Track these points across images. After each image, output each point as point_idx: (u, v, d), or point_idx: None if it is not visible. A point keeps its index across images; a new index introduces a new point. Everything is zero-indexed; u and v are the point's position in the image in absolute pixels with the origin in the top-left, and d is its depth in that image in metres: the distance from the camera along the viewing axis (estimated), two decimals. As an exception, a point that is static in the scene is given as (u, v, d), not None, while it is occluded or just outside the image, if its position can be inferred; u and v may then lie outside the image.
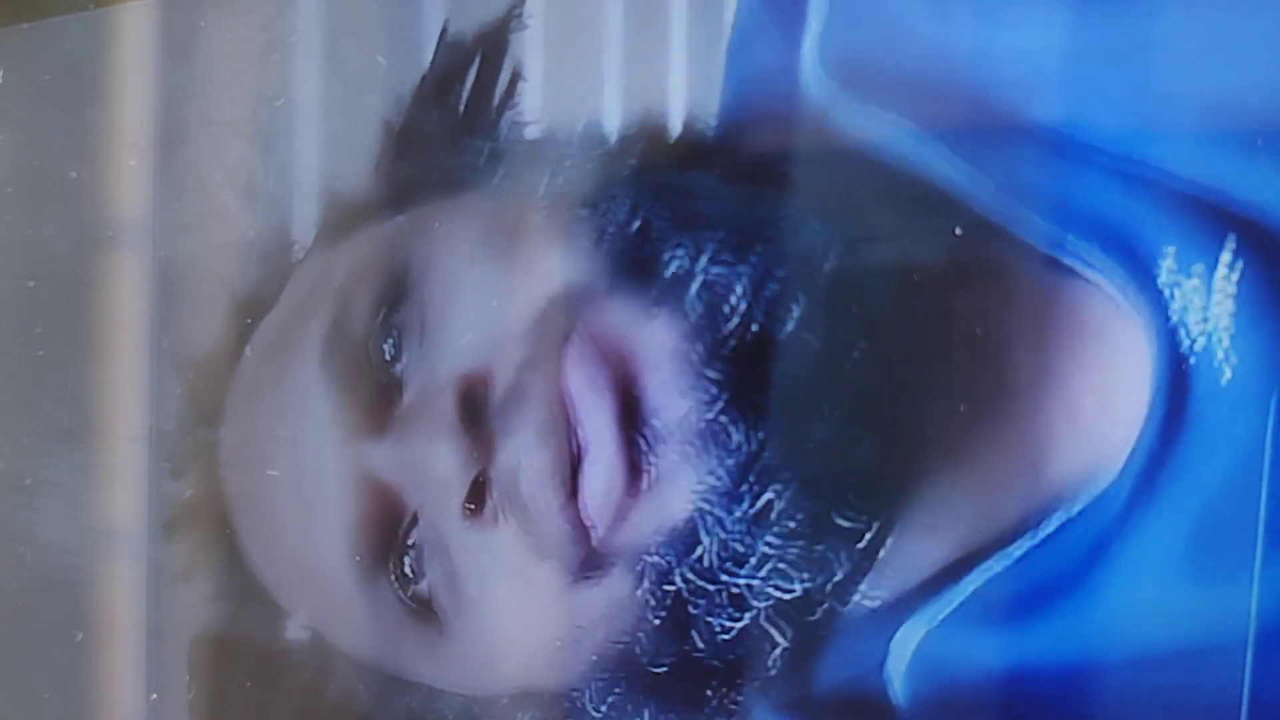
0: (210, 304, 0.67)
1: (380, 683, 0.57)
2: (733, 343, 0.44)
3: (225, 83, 0.79)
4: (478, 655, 0.51)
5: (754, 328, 0.44)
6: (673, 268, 0.45)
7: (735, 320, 0.44)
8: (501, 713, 0.55)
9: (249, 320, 0.58)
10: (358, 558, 0.50)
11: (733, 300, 0.44)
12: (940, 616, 0.48)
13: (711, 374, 0.43)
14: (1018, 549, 0.47)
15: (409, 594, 0.51)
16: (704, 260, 0.44)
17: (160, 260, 0.79)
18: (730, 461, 0.43)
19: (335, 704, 0.59)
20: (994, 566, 0.47)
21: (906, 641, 0.48)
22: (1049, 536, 0.47)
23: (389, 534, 0.50)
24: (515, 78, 0.61)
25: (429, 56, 0.62)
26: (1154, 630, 0.46)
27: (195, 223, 0.79)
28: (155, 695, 0.80)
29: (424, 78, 0.61)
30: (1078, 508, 0.47)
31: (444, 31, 0.62)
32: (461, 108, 0.60)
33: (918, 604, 0.48)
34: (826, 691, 0.51)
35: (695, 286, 0.44)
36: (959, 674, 0.48)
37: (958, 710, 0.49)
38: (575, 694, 0.50)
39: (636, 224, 0.46)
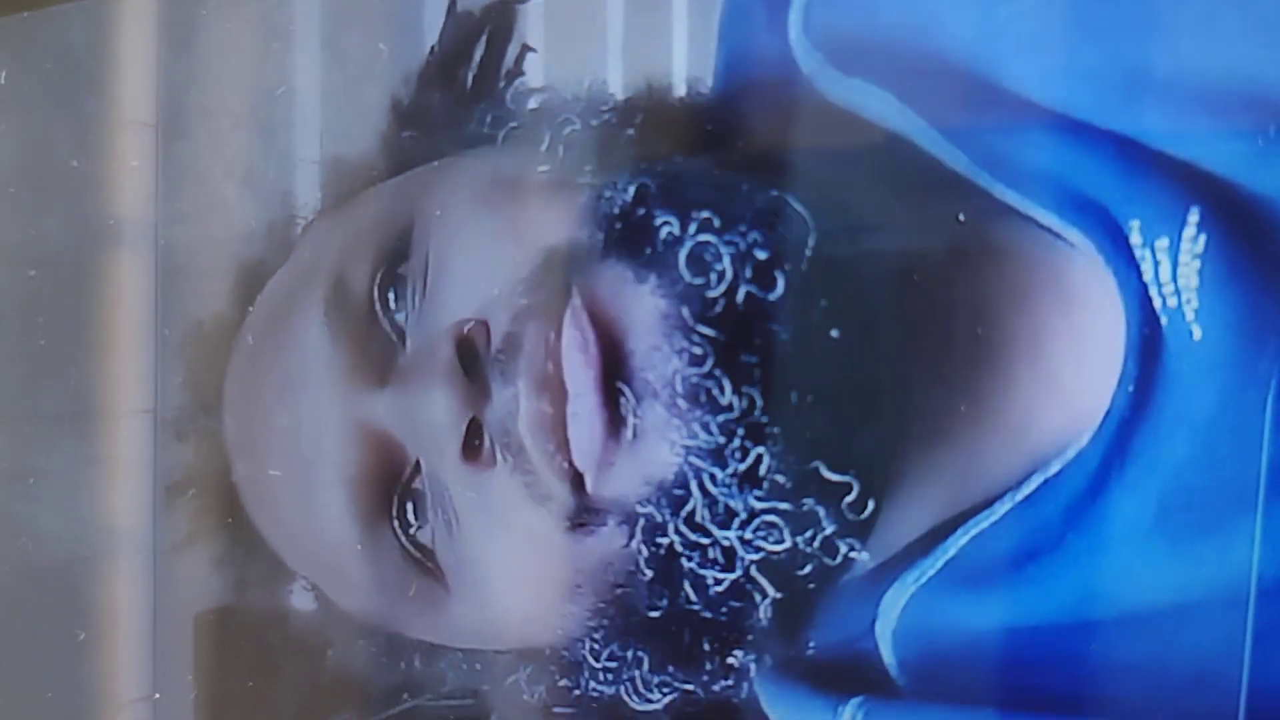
0: (212, 282, 0.67)
1: (382, 643, 0.57)
2: (721, 305, 0.44)
3: (226, 72, 0.79)
4: (479, 608, 0.51)
5: (742, 291, 0.44)
6: (664, 233, 0.45)
7: (724, 285, 0.44)
8: (502, 668, 0.56)
9: (254, 289, 0.58)
10: (364, 520, 0.51)
11: (721, 266, 0.44)
12: (925, 577, 0.48)
13: (700, 334, 0.44)
14: (999, 510, 0.48)
15: (411, 544, 0.51)
16: (694, 227, 0.45)
17: (161, 249, 0.80)
18: (719, 419, 0.44)
19: (339, 667, 0.59)
20: (976, 528, 0.48)
21: (894, 603, 0.49)
22: (1029, 497, 0.47)
23: (391, 484, 0.51)
24: (523, 51, 0.62)
25: (431, 41, 0.63)
26: (1130, 589, 0.47)
27: (195, 212, 0.79)
28: (158, 695, 0.80)
29: (432, 51, 0.62)
30: (1056, 468, 0.47)
31: (452, 5, 0.63)
32: (469, 81, 0.61)
33: (904, 566, 0.49)
34: (820, 653, 0.51)
35: (685, 251, 0.45)
36: (945, 633, 0.49)
37: (945, 668, 0.49)
38: (576, 647, 0.50)
39: (633, 188, 0.47)
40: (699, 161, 0.51)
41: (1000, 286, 0.49)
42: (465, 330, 0.48)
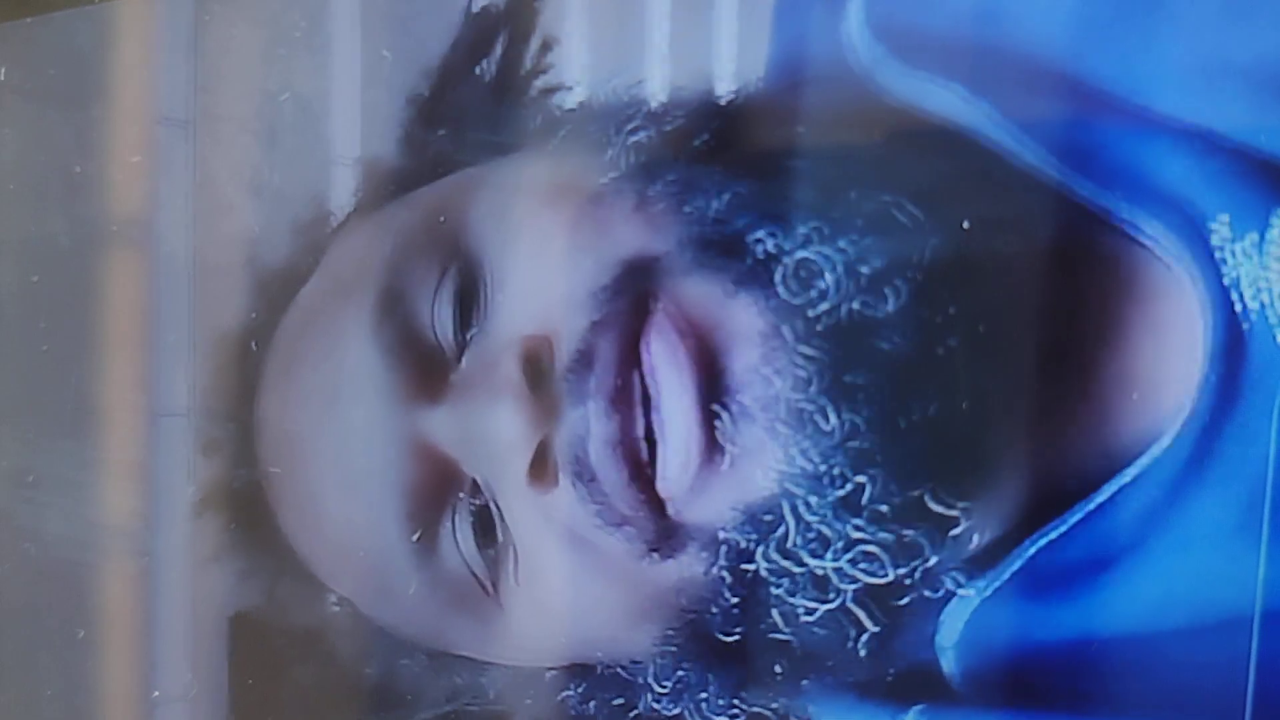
0: (226, 285, 0.67)
1: (422, 659, 0.56)
2: (825, 322, 0.43)
3: (230, 76, 0.78)
4: (535, 627, 0.50)
5: (846, 310, 0.43)
6: (764, 245, 0.44)
7: (827, 302, 0.43)
8: (550, 685, 0.55)
9: (280, 293, 0.57)
10: (415, 537, 0.50)
11: (824, 282, 0.43)
12: (993, 587, 0.47)
13: (805, 354, 0.43)
14: (1070, 519, 0.47)
15: (465, 565, 0.50)
16: (797, 239, 0.44)
17: (165, 254, 0.79)
18: (822, 444, 0.43)
19: (374, 682, 0.58)
20: (1045, 538, 0.47)
21: (958, 614, 0.48)
22: (1104, 504, 0.46)
23: (443, 502, 0.50)
24: (545, 45, 0.60)
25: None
26: (1208, 598, 0.46)
27: (199, 217, 0.79)
28: (158, 693, 0.80)
29: (454, 45, 0.60)
30: (1132, 474, 0.46)
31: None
32: (492, 75, 0.60)
33: (970, 575, 0.48)
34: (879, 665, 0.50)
35: (787, 267, 0.44)
36: (1010, 642, 0.48)
37: (1009, 677, 0.48)
38: (638, 667, 0.50)
39: (725, 198, 0.46)
40: (783, 168, 0.49)
41: (1076, 288, 0.48)
42: (530, 345, 0.46)
